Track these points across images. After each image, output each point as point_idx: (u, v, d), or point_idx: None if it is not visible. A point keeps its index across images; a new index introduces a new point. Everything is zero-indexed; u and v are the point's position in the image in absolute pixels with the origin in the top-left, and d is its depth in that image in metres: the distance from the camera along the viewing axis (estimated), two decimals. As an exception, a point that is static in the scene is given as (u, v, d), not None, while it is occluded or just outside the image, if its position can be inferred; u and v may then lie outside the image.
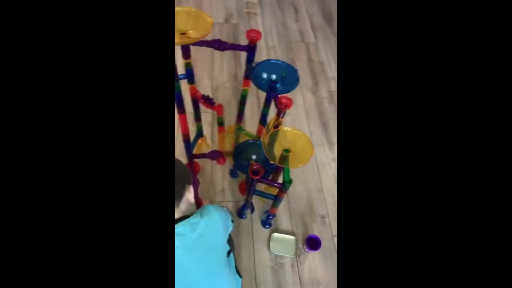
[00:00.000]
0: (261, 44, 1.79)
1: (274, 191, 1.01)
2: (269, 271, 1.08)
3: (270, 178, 1.04)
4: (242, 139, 1.15)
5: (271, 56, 1.73)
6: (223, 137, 1.14)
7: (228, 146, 1.20)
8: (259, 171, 0.88)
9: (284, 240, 1.13)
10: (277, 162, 0.87)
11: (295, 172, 1.31)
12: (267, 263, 1.09)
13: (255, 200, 1.21)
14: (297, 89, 0.91)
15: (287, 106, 0.86)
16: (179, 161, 0.78)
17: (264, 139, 0.88)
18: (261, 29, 1.86)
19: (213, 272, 0.73)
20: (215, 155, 1.19)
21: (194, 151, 1.23)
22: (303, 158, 0.89)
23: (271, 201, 1.04)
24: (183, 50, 0.82)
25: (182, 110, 0.92)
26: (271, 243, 1.12)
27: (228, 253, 0.96)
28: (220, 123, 1.06)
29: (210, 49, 0.80)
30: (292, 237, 1.14)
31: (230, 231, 0.88)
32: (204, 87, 1.54)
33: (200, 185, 1.18)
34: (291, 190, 1.26)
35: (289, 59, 1.73)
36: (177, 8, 0.78)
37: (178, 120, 0.95)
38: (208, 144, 1.29)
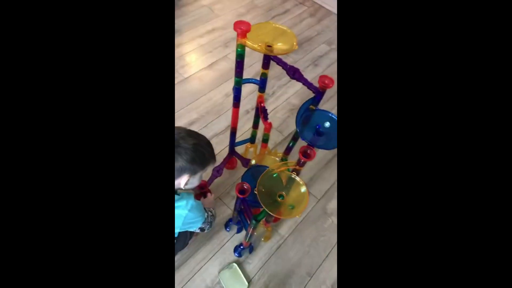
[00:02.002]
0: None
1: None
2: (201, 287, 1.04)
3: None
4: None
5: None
6: (263, 153, 1.16)
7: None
8: (246, 192, 0.87)
9: (238, 279, 1.06)
10: (261, 200, 0.83)
11: (302, 237, 1.18)
12: (207, 281, 1.05)
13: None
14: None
15: (308, 157, 0.80)
16: (201, 154, 0.83)
17: (271, 170, 0.86)
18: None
19: None
20: (246, 163, 1.22)
21: (240, 152, 1.30)
22: (289, 212, 0.82)
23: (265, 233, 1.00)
24: (264, 61, 0.90)
25: (236, 104, 1.00)
26: (225, 269, 1.07)
27: None
28: (264, 140, 1.09)
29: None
30: (247, 284, 1.05)
31: (191, 229, 0.91)
32: (299, 116, 1.58)
33: (220, 177, 1.24)
34: (284, 248, 1.15)
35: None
36: (276, 25, 0.87)
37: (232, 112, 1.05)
38: (255, 154, 1.33)
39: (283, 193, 0.85)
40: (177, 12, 2.05)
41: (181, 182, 0.84)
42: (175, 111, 1.50)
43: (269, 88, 1.66)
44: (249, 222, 0.94)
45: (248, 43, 0.78)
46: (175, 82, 1.64)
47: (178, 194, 0.86)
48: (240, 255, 1.11)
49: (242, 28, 0.75)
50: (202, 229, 0.92)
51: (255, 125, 1.17)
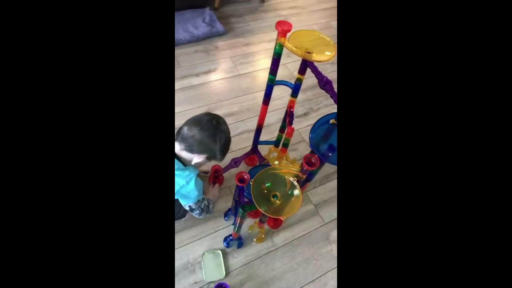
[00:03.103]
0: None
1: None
2: (182, 261, 1.08)
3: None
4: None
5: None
6: (282, 157, 1.17)
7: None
8: (245, 181, 0.89)
9: (218, 266, 1.07)
10: (252, 192, 0.84)
11: (294, 253, 1.15)
12: (190, 257, 1.09)
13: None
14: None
15: (311, 165, 0.79)
16: (227, 147, 0.94)
17: (272, 168, 0.87)
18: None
19: None
20: (262, 162, 1.24)
21: (264, 152, 1.33)
22: (281, 212, 0.83)
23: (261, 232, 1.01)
24: (301, 66, 0.92)
25: (266, 101, 1.04)
26: (210, 253, 1.09)
27: None
28: (285, 144, 1.10)
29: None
30: (224, 274, 1.06)
31: (182, 203, 0.96)
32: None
33: (236, 168, 1.27)
34: (272, 256, 1.13)
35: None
36: (321, 34, 0.89)
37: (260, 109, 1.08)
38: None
39: (278, 193, 0.85)
40: (256, 16, 2.19)
41: (196, 158, 0.91)
42: (220, 100, 1.60)
43: (315, 104, 1.66)
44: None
45: (287, 43, 0.82)
46: (231, 75, 1.75)
47: (185, 166, 0.92)
48: (228, 246, 1.12)
49: (283, 28, 0.79)
50: (191, 209, 0.96)
51: (282, 129, 1.19)
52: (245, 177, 0.90)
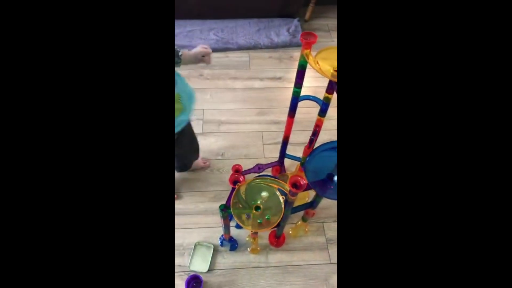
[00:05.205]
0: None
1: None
2: (177, 242, 1.13)
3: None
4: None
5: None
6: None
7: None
8: (240, 182, 0.88)
9: (205, 260, 1.09)
10: (233, 197, 0.82)
11: (283, 278, 1.07)
12: (185, 241, 1.13)
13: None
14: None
15: (298, 188, 0.73)
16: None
17: (260, 179, 0.84)
18: None
19: None
20: (279, 175, 1.19)
21: (289, 166, 1.28)
22: (249, 223, 0.79)
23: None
24: (328, 84, 0.86)
25: (292, 114, 1.00)
26: (203, 245, 1.12)
27: None
28: (302, 164, 1.04)
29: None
30: (207, 269, 1.07)
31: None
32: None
33: (258, 174, 1.26)
34: (259, 273, 1.08)
35: None
36: None
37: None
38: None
39: (261, 206, 0.82)
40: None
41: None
42: (272, 106, 1.61)
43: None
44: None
45: (311, 57, 0.78)
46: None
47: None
48: (221, 245, 1.13)
49: (307, 40, 0.75)
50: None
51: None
52: (240, 179, 0.90)
